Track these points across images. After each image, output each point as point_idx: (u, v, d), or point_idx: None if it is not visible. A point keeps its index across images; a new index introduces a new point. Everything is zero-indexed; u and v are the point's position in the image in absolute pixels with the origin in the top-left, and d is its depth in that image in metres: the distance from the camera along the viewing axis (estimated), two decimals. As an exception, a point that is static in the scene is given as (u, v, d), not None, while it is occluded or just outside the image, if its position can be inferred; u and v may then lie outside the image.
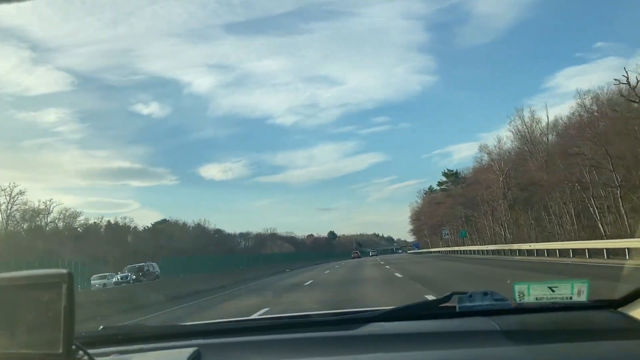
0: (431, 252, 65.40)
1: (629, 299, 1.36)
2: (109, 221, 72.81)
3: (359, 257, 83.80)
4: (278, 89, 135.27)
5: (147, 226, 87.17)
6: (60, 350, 0.86)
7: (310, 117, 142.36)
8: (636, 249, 16.96)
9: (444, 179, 76.06)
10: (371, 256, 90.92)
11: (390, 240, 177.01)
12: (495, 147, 47.04)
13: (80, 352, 0.96)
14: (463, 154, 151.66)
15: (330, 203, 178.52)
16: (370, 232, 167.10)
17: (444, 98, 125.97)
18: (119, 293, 16.08)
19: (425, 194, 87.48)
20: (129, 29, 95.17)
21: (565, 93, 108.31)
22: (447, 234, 55.13)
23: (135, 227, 76.81)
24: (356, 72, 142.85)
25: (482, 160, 49.88)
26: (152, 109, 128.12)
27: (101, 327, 1.51)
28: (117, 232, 69.70)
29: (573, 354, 1.07)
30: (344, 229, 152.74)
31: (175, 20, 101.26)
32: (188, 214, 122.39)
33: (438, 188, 78.08)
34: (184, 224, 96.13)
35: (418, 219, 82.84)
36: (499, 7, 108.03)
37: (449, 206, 58.23)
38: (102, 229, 70.71)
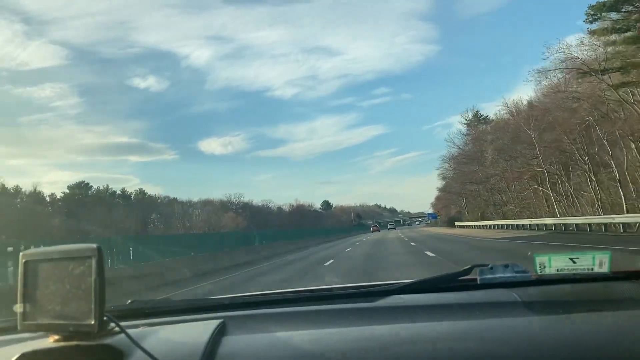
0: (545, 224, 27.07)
1: None
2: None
3: (379, 231, 76.34)
4: (277, 61, 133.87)
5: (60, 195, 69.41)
6: (93, 322, 0.90)
7: (310, 89, 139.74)
8: None
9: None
10: (389, 229, 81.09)
11: (393, 211, 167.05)
12: None
13: (112, 324, 0.99)
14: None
15: (331, 176, 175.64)
16: (371, 203, 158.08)
17: (446, 68, 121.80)
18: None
19: (467, 124, 54.87)
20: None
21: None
22: None
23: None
24: (356, 42, 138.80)
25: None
26: (149, 82, 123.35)
27: (129, 300, 1.53)
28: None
29: (593, 323, 1.09)
30: (343, 201, 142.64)
31: None
32: (187, 189, 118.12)
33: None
34: (106, 187, 77.31)
35: (475, 157, 46.00)
36: None
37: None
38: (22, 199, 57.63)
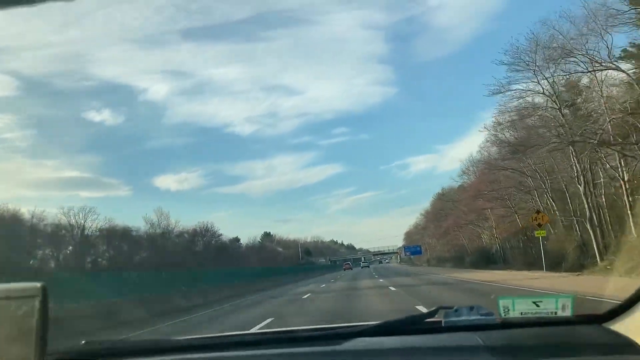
0: None
1: (613, 314, 1.35)
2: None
3: (351, 269, 75.45)
4: (236, 98, 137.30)
5: None
6: None
7: (270, 127, 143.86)
8: None
9: None
10: (362, 267, 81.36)
11: (351, 248, 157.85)
12: None
13: None
14: (420, 166, 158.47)
15: (290, 215, 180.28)
16: (327, 239, 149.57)
17: (403, 110, 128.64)
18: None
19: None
20: (81, 32, 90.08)
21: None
22: None
23: None
24: (316, 82, 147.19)
25: None
26: (104, 116, 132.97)
27: (83, 341, 1.45)
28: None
29: None
30: (300, 238, 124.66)
31: (130, 24, 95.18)
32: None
33: None
34: None
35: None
36: (457, 20, 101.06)
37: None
38: None
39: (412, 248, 73.34)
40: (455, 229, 39.09)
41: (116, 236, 48.38)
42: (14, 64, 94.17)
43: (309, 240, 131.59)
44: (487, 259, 29.38)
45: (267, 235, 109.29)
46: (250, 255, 73.72)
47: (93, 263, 46.29)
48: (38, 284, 0.85)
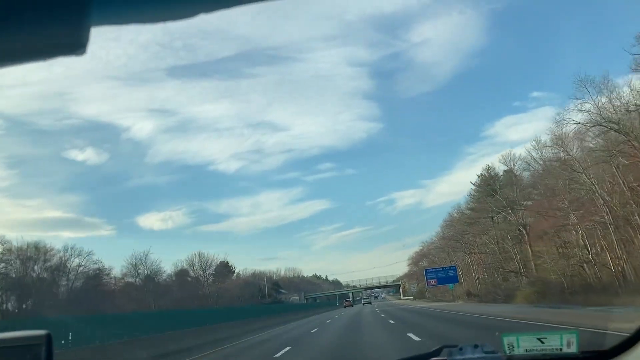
0: None
1: (620, 350, 1.32)
2: None
3: (352, 306, 71.54)
4: (221, 134, 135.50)
5: None
6: None
7: (255, 163, 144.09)
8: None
9: None
10: (363, 304, 76.75)
11: (337, 283, 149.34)
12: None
13: None
14: (406, 201, 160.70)
15: (275, 252, 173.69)
16: (309, 274, 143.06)
17: (388, 145, 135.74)
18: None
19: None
20: (64, 70, 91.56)
21: (503, 142, 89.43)
22: None
23: None
24: (301, 118, 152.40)
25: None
26: (87, 155, 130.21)
27: None
28: None
29: None
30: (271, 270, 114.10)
31: (114, 62, 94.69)
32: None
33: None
34: None
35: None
36: (440, 56, 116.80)
37: None
38: None
39: (441, 272, 43.59)
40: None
41: None
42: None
43: (282, 273, 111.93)
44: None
45: (225, 266, 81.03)
46: (176, 291, 45.64)
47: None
48: (43, 332, 0.84)
